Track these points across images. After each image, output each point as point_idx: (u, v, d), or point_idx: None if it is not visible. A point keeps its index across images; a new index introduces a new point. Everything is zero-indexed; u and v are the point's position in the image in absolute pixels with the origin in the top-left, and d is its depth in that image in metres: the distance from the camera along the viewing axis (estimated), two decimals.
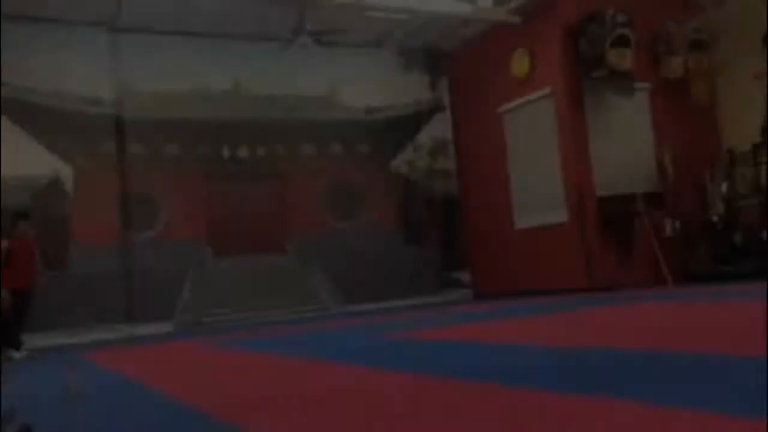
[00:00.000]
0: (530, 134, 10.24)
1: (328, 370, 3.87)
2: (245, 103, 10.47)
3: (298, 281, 10.44)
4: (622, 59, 9.29)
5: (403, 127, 11.47)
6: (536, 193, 10.13)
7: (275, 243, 10.40)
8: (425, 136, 11.64)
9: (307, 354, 4.75)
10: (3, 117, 8.79)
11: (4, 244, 7.01)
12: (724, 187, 9.56)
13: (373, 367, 3.70)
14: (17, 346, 6.96)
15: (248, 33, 10.09)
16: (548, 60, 9.81)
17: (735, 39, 9.97)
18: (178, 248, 9.68)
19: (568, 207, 9.59)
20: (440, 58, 11.74)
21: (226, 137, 10.33)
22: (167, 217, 9.75)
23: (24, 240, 7.25)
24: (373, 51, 11.19)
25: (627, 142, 9.76)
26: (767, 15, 8.08)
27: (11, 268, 6.88)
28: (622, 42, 9.26)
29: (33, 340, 7.82)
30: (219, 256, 10.02)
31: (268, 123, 10.57)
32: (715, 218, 9.39)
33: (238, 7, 8.95)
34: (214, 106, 10.27)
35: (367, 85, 11.14)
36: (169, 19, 9.39)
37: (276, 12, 9.02)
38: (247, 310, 10.02)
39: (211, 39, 10.07)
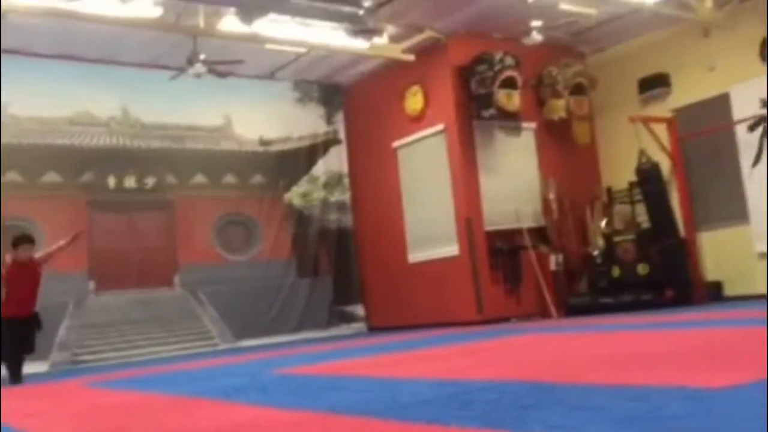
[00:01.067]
0: (423, 169, 10.46)
1: (214, 408, 3.73)
2: (134, 130, 10.13)
3: (186, 316, 10.09)
4: (510, 100, 9.70)
5: (299, 159, 11.43)
6: (429, 226, 10.32)
7: (163, 276, 10.04)
8: (321, 168, 11.64)
9: (194, 392, 4.57)
10: None
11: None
12: (603, 223, 10.11)
13: (261, 404, 3.60)
14: None
15: (139, 59, 9.81)
16: (441, 98, 10.10)
17: (613, 84, 10.64)
18: (57, 281, 9.14)
19: (459, 241, 9.81)
20: (336, 91, 11.84)
21: (112, 165, 9.93)
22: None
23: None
24: (269, 82, 11.15)
25: (514, 179, 10.16)
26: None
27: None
28: (509, 83, 9.69)
29: None
30: (101, 290, 9.55)
31: (158, 152, 10.27)
32: (595, 253, 9.88)
33: (128, 33, 8.68)
34: (100, 132, 9.88)
35: (262, 117, 11.07)
36: (54, 41, 8.99)
37: (169, 39, 8.83)
38: (130, 347, 9.57)
39: (100, 64, 9.73)
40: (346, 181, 11.78)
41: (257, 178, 11.07)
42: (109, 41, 9.11)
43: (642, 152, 9.56)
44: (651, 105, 10.24)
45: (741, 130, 9.38)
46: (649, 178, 9.50)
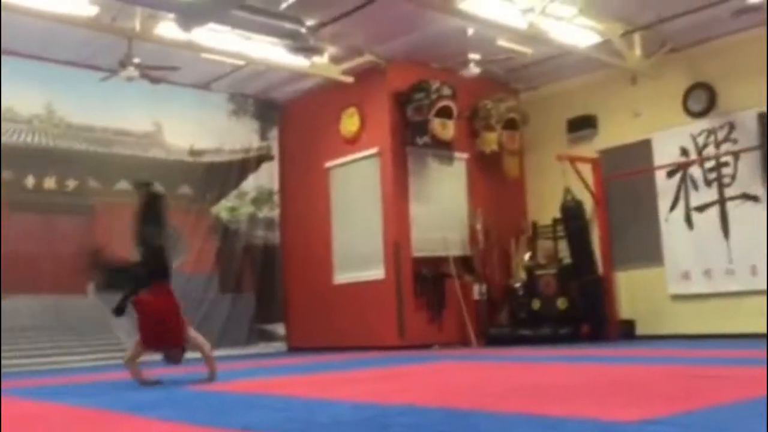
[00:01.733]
0: (355, 191, 10.47)
1: (123, 422, 3.58)
2: (58, 130, 9.76)
3: (99, 326, 9.70)
4: (445, 129, 9.85)
5: (229, 172, 11.25)
6: (357, 249, 10.31)
7: (77, 283, 9.63)
8: (251, 183, 11.48)
9: (102, 404, 4.38)
10: None
11: None
12: (526, 256, 10.32)
13: (173, 420, 3.48)
14: None
15: (70, 58, 9.49)
16: (377, 122, 10.16)
17: (543, 122, 10.95)
18: None
19: (386, 265, 9.83)
20: (272, 107, 11.75)
21: (32, 165, 9.52)
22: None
23: None
24: (204, 92, 10.96)
25: (444, 208, 10.28)
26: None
27: None
28: (445, 113, 9.83)
29: None
30: (10, 294, 9.09)
31: (81, 154, 9.91)
32: (517, 285, 10.07)
33: (61, 30, 8.38)
34: (22, 129, 9.47)
35: (194, 126, 10.85)
36: None
37: (103, 39, 8.58)
38: (40, 355, 9.12)
39: (28, 59, 9.35)
40: (276, 198, 11.65)
41: (184, 189, 10.81)
42: (40, 36, 8.78)
43: (567, 190, 9.84)
44: (578, 145, 10.57)
45: (660, 176, 9.80)
46: (572, 216, 9.77)
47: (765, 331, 8.14)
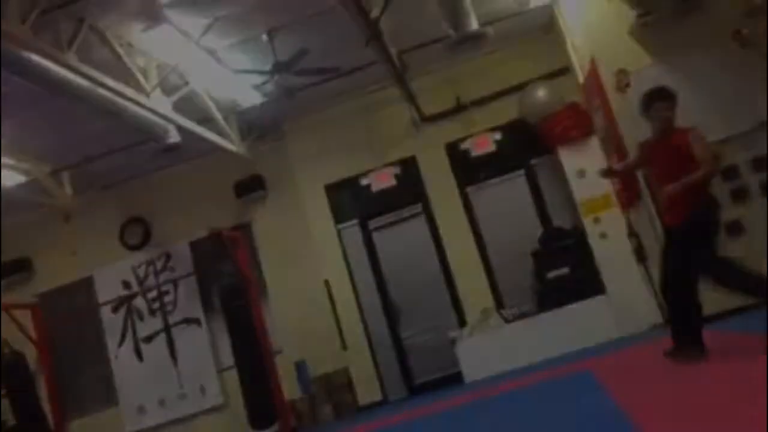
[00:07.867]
0: None
1: None
2: None
3: None
4: None
5: None
6: None
7: None
8: None
9: None
10: None
11: None
12: None
13: None
14: None
15: None
16: None
17: None
18: None
19: None
20: None
21: None
22: None
23: None
24: None
25: None
26: None
27: None
28: None
29: None
30: None
31: None
32: None
33: None
34: None
35: None
36: None
37: None
38: None
39: None
40: None
41: None
42: None
43: (5, 342, 8.82)
44: (13, 290, 9.70)
45: (106, 312, 9.65)
46: (12, 371, 8.75)
47: None
